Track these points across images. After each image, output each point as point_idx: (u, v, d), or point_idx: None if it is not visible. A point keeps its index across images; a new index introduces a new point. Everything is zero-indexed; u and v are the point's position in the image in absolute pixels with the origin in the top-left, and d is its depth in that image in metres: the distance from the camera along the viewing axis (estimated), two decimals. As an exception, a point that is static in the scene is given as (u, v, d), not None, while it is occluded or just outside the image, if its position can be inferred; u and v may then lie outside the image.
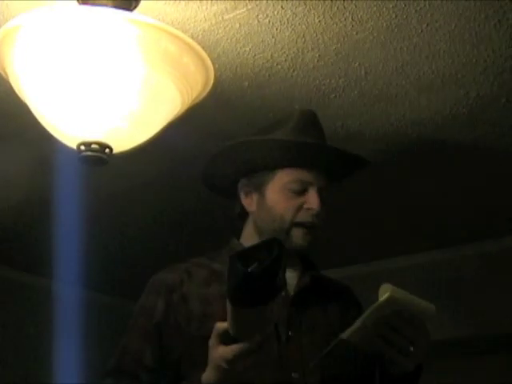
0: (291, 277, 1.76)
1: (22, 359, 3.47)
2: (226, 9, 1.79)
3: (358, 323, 1.56)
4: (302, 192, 1.73)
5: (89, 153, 1.66)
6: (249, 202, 1.78)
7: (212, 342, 1.47)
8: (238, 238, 1.83)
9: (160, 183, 2.67)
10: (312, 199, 1.72)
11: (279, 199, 1.74)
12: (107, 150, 1.67)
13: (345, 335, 1.57)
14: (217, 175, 1.88)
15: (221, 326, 1.45)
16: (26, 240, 3.19)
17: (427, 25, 1.85)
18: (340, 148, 1.81)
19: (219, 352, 1.44)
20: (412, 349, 1.56)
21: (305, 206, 1.73)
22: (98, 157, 1.66)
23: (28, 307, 3.54)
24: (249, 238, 1.79)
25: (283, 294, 1.69)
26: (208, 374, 1.50)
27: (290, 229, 1.72)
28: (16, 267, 3.51)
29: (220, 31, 1.86)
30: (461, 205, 2.86)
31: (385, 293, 1.57)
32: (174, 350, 1.67)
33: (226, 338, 1.43)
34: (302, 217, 1.72)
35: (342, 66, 2.01)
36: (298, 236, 1.72)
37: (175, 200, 2.77)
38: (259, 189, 1.77)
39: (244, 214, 1.81)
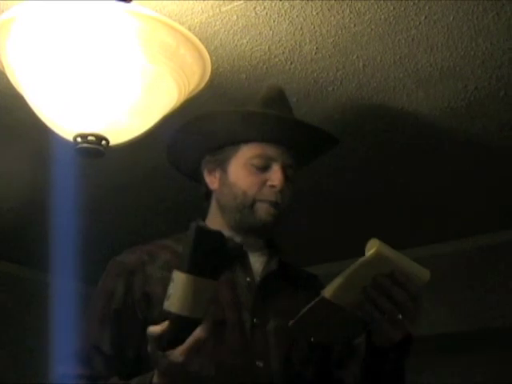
0: (256, 261, 1.71)
1: (19, 354, 3.46)
2: (224, 1, 1.79)
3: (339, 279, 1.44)
4: (265, 168, 1.68)
5: (85, 145, 1.65)
6: (212, 180, 1.74)
7: (152, 349, 1.38)
8: (204, 218, 1.78)
9: (158, 176, 2.66)
10: (275, 176, 1.67)
11: (242, 175, 1.69)
12: (104, 142, 1.66)
13: (326, 292, 1.44)
14: (181, 153, 1.82)
15: (153, 329, 1.37)
16: (24, 234, 3.19)
17: (425, 17, 1.84)
18: (305, 121, 1.77)
19: (173, 353, 1.35)
20: (400, 316, 1.44)
21: (268, 183, 1.67)
22: (94, 149, 1.66)
23: (26, 301, 3.54)
24: (213, 217, 1.74)
25: (248, 279, 1.66)
26: (162, 381, 1.41)
27: (253, 205, 1.66)
28: (14, 261, 3.51)
29: (217, 23, 1.85)
30: (457, 199, 2.85)
31: (372, 248, 1.45)
32: (134, 336, 1.58)
33: (164, 340, 1.36)
34: (265, 194, 1.67)
35: (340, 59, 2.00)
36: (261, 210, 1.66)
37: (174, 192, 2.76)
38: (222, 165, 1.72)
39: (209, 193, 1.76)
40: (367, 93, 2.16)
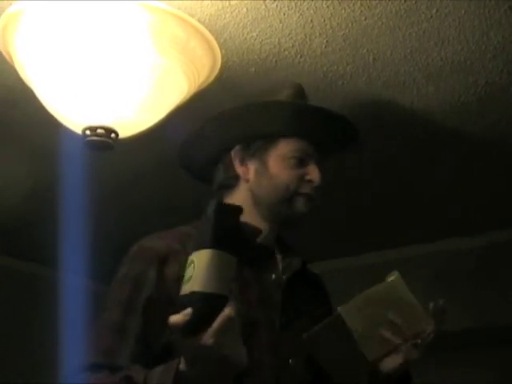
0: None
1: (26, 351, 3.45)
2: (234, -7, 1.77)
3: (356, 298, 1.56)
4: (302, 163, 1.72)
5: (94, 138, 1.65)
6: (244, 170, 1.72)
7: (176, 338, 1.36)
8: None
9: (166, 171, 2.64)
10: (314, 172, 1.71)
11: (283, 168, 1.70)
12: (113, 135, 1.66)
13: (342, 308, 1.54)
14: (201, 145, 1.81)
15: (175, 319, 1.32)
16: (31, 230, 3.18)
17: (437, 10, 1.83)
18: (346, 118, 1.81)
19: (198, 341, 1.30)
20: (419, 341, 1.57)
21: (306, 178, 1.71)
22: (103, 141, 1.65)
23: (33, 298, 3.53)
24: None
25: (273, 276, 1.67)
26: (190, 368, 1.37)
27: (293, 197, 1.69)
28: (21, 257, 3.50)
29: (227, 16, 1.84)
30: (468, 195, 2.84)
31: (391, 277, 1.59)
32: (163, 332, 1.48)
33: (191, 326, 1.31)
34: (303, 188, 1.71)
35: (350, 53, 1.99)
36: (300, 203, 1.70)
37: (184, 188, 2.74)
38: (259, 156, 1.72)
39: (233, 184, 1.74)
40: (377, 87, 2.15)
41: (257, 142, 1.72)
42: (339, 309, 1.55)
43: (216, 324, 1.30)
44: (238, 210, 1.42)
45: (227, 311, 1.31)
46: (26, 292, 3.54)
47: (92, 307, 3.22)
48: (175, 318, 1.32)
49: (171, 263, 1.56)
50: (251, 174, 1.72)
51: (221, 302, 1.31)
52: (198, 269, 1.32)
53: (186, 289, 1.33)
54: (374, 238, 3.27)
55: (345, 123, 1.81)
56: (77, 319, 3.23)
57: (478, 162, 2.60)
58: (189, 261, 1.36)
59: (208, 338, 1.30)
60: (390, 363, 1.60)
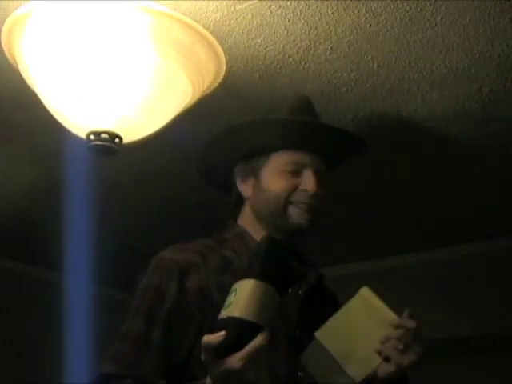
0: None
1: (28, 353, 3.45)
2: (239, -1, 1.78)
3: (330, 320, 1.58)
4: (297, 173, 1.70)
5: (98, 142, 1.65)
6: (245, 187, 1.74)
7: (207, 358, 1.35)
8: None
9: (171, 174, 2.65)
10: (308, 180, 1.69)
11: (274, 180, 1.70)
12: (117, 140, 1.66)
13: (318, 332, 1.56)
14: (212, 164, 1.83)
15: (209, 338, 1.34)
16: (34, 234, 3.18)
17: (441, 18, 1.83)
18: (333, 126, 1.80)
19: (226, 363, 1.33)
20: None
21: (300, 187, 1.69)
22: (107, 146, 1.65)
23: (36, 301, 3.53)
24: (248, 223, 1.74)
25: (289, 290, 1.64)
26: None
27: (286, 208, 1.68)
28: (24, 261, 3.50)
29: (232, 22, 1.84)
30: (469, 203, 2.83)
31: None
32: (188, 336, 1.53)
33: (223, 348, 1.33)
34: (298, 197, 1.69)
35: (355, 59, 1.99)
36: (295, 213, 1.68)
37: (187, 191, 2.75)
38: (255, 173, 1.73)
39: (240, 201, 1.76)
40: (381, 94, 2.15)
41: (254, 159, 1.73)
42: (316, 334, 1.56)
43: (246, 350, 1.32)
44: (287, 250, 1.50)
45: (260, 339, 1.33)
46: (28, 296, 3.53)
47: (95, 311, 3.23)
48: (209, 338, 1.34)
49: (191, 276, 1.59)
50: (250, 191, 1.74)
51: (255, 330, 1.34)
52: (239, 297, 1.35)
53: (224, 314, 1.35)
54: (374, 245, 3.26)
55: (329, 131, 1.79)
56: (80, 323, 3.24)
57: (481, 169, 2.59)
58: (231, 289, 1.39)
59: (235, 361, 1.32)
60: (385, 370, 1.58)
